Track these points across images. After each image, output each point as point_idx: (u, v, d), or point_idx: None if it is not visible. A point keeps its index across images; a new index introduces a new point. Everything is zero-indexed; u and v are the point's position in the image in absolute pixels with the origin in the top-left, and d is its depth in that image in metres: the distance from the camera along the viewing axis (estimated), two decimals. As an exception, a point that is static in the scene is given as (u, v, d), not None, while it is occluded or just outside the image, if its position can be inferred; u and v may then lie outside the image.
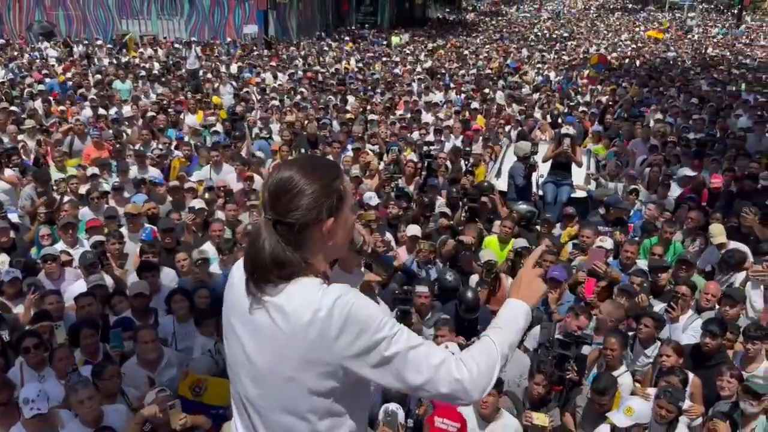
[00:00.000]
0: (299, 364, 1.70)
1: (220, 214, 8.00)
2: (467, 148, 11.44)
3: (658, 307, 5.92)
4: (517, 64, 23.15)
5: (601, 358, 5.19)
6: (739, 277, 6.48)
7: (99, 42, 24.14)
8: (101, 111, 12.66)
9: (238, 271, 1.86)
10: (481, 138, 12.01)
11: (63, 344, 5.06)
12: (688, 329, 5.75)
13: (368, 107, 15.17)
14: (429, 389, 1.73)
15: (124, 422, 4.37)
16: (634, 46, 33.58)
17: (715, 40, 39.14)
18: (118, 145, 10.31)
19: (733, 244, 6.90)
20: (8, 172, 8.77)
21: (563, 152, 8.91)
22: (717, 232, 7.05)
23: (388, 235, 7.22)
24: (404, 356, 1.69)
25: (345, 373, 1.71)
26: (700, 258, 7.21)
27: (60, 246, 6.84)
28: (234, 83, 16.93)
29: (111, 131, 11.16)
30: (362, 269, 2.18)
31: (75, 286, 6.18)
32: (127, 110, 13.35)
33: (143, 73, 17.52)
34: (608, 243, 6.84)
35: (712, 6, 62.73)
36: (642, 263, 6.79)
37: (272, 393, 1.77)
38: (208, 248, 6.96)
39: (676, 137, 11.73)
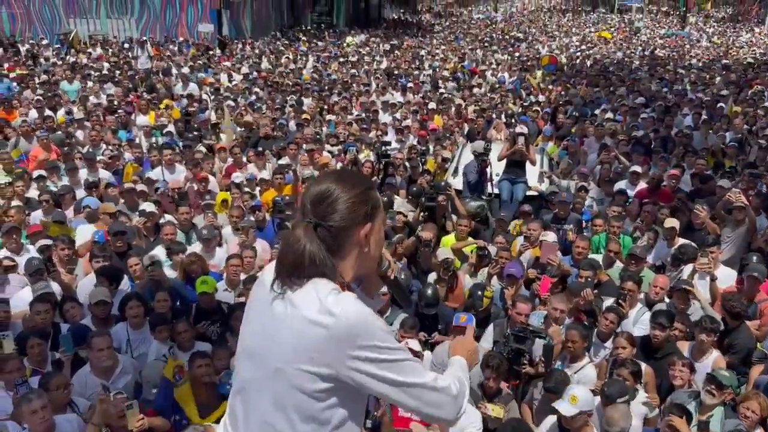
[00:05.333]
0: (292, 356, 1.75)
1: (171, 217, 7.84)
2: (423, 148, 11.50)
3: (607, 302, 6.02)
4: (471, 66, 23.34)
5: (564, 351, 5.29)
6: (686, 271, 6.68)
7: (45, 42, 23.34)
8: (48, 112, 12.27)
9: (269, 272, 1.92)
10: (435, 137, 12.12)
11: (12, 354, 4.88)
12: (638, 323, 5.90)
13: (324, 107, 15.10)
14: (425, 399, 1.85)
15: (78, 432, 4.25)
16: (584, 47, 34.25)
17: (661, 41, 40.23)
18: (66, 148, 10.01)
19: (683, 241, 7.16)
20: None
21: (518, 150, 9.04)
22: (669, 222, 7.35)
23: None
24: (404, 365, 1.80)
25: (339, 381, 1.75)
26: (652, 253, 7.42)
27: (2, 253, 6.60)
28: (191, 83, 16.64)
29: (61, 133, 10.83)
30: (381, 294, 2.24)
31: (22, 293, 5.98)
32: (74, 111, 12.96)
33: (93, 73, 17.02)
34: (550, 236, 6.97)
35: (659, 9, 64.76)
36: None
37: (264, 378, 1.82)
38: (160, 252, 6.83)
39: (627, 135, 12.04)
